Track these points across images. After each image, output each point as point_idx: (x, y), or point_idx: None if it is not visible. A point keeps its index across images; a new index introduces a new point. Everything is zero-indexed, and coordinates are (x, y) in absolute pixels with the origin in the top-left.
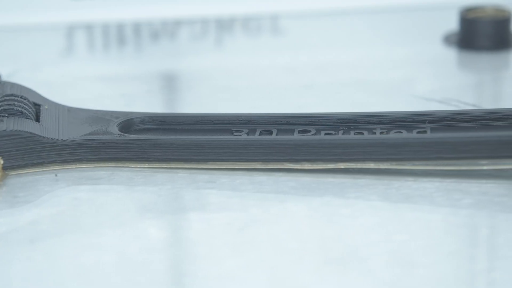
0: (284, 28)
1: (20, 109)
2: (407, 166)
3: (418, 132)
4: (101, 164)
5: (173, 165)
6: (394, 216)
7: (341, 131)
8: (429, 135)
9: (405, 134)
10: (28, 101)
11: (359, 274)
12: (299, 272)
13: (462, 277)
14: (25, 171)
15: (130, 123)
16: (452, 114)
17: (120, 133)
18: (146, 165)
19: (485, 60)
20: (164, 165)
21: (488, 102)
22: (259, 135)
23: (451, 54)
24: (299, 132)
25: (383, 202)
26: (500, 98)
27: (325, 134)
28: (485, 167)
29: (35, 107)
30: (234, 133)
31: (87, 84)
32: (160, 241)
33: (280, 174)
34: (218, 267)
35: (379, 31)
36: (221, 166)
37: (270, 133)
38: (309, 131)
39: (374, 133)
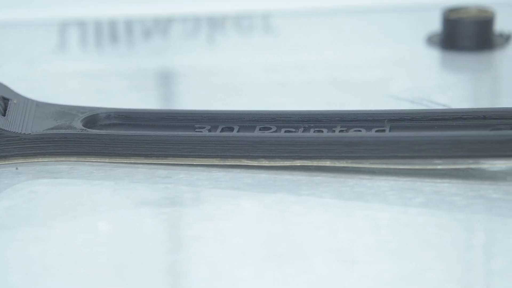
0: (270, 26)
1: None
2: (364, 165)
3: (377, 131)
4: (63, 158)
5: (133, 160)
6: (344, 213)
7: (301, 129)
8: (384, 134)
9: (360, 133)
10: None
11: (298, 270)
12: (238, 267)
13: (399, 276)
14: None
15: (95, 118)
16: (412, 114)
17: (83, 128)
18: (107, 160)
19: (466, 60)
20: (125, 160)
21: (464, 102)
22: (221, 131)
23: (432, 54)
24: (260, 129)
25: (335, 199)
26: (476, 98)
27: (286, 131)
28: (439, 167)
29: (3, 101)
30: (197, 130)
31: (71, 80)
32: (108, 234)
33: (238, 170)
34: (160, 261)
35: (365, 31)
36: (181, 162)
37: (232, 130)
38: (270, 129)
39: (334, 131)
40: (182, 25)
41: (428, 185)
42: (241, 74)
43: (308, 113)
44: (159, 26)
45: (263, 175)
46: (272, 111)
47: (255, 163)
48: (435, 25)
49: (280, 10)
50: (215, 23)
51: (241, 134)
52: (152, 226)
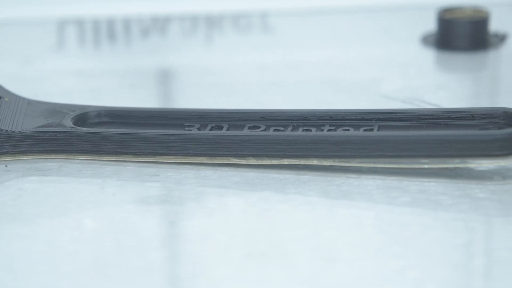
0: (266, 25)
1: None
2: (351, 164)
3: (365, 130)
4: (53, 156)
5: (122, 158)
6: (329, 212)
7: (290, 128)
8: (371, 133)
9: (348, 132)
10: None
11: (279, 267)
12: (219, 264)
13: (381, 274)
14: None
15: (86, 116)
16: (401, 113)
17: (73, 126)
18: (96, 158)
19: (460, 60)
20: (114, 158)
21: (456, 101)
22: (210, 130)
23: (427, 54)
24: (249, 128)
25: (321, 198)
26: (469, 98)
27: (274, 130)
28: (426, 166)
29: None
30: (186, 128)
31: (66, 78)
32: (93, 232)
33: (226, 169)
34: (143, 258)
35: (360, 31)
36: (169, 160)
37: (221, 128)
38: (259, 127)
39: (322, 130)
40: (180, 24)
41: (414, 184)
42: (236, 73)
43: (297, 112)
44: (157, 25)
45: (251, 174)
46: (261, 110)
47: (243, 161)
48: (431, 25)
49: (277, 9)
50: (213, 22)
51: (229, 132)
52: (136, 224)
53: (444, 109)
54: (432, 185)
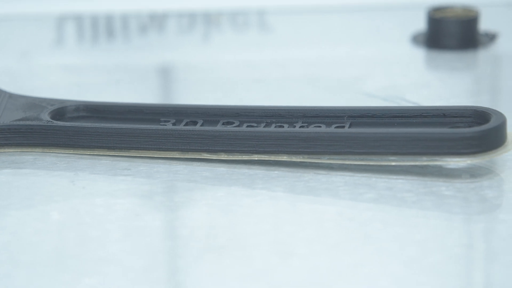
0: (260, 23)
1: None
2: (321, 160)
3: (336, 127)
4: (28, 149)
5: (96, 152)
6: (292, 207)
7: (263, 124)
8: (340, 130)
9: (316, 128)
10: None
11: (235, 261)
12: (177, 257)
13: (334, 269)
14: None
15: (64, 110)
16: (373, 111)
17: (49, 119)
18: (71, 151)
19: (448, 59)
20: (88, 152)
21: (440, 100)
22: (185, 125)
23: (416, 53)
24: (223, 124)
25: (286, 193)
26: (453, 97)
27: (247, 126)
28: (394, 163)
29: None
30: (161, 123)
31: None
32: (58, 224)
33: (198, 163)
34: (103, 250)
35: (351, 30)
36: (142, 155)
37: (196, 124)
38: (233, 123)
39: (295, 126)
40: (178, 21)
41: (382, 181)
42: (223, 70)
43: (271, 108)
44: (155, 22)
45: (222, 169)
46: (235, 106)
47: (214, 156)
48: (421, 24)
49: (270, 7)
50: (210, 19)
51: (201, 128)
52: (101, 216)
53: (416, 107)
54: (400, 182)
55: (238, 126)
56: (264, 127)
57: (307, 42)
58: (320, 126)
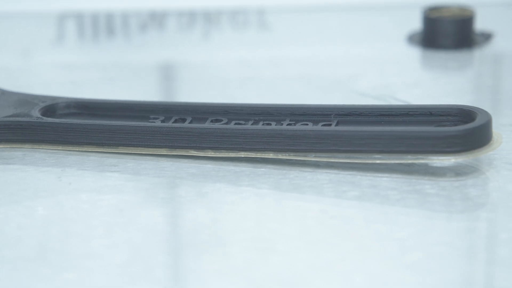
0: (259, 22)
1: None
2: (307, 158)
3: (323, 125)
4: (18, 145)
5: (85, 149)
6: (275, 204)
7: (251, 122)
8: (326, 128)
9: (303, 126)
10: None
11: (214, 257)
12: (157, 253)
13: (312, 266)
14: None
15: (55, 107)
16: (361, 109)
17: (39, 116)
18: (60, 148)
19: (443, 58)
20: (77, 148)
21: (429, 99)
22: (173, 123)
23: (411, 52)
24: (211, 121)
25: (271, 190)
26: (443, 96)
27: (235, 124)
28: (378, 161)
29: None
30: (150, 120)
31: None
32: (42, 219)
33: (185, 160)
34: (85, 245)
35: (349, 29)
36: (130, 151)
37: (184, 121)
38: (221, 121)
39: (282, 124)
40: (178, 19)
41: (367, 179)
42: (222, 69)
43: (259, 106)
44: (155, 20)
45: (209, 166)
46: (224, 104)
47: (201, 153)
48: (417, 23)
49: (269, 6)
50: (210, 18)
51: (189, 125)
52: (86, 212)
53: (403, 105)
54: (384, 180)
55: (227, 123)
56: (252, 124)
57: (304, 41)
58: (307, 124)
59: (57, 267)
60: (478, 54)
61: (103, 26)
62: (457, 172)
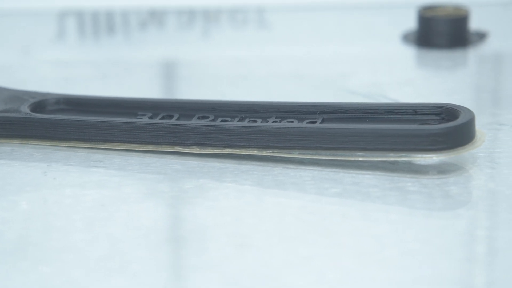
0: (258, 20)
1: None
2: (292, 155)
3: (308, 123)
4: (7, 140)
5: (72, 144)
6: (255, 200)
7: (237, 119)
8: (310, 125)
9: (287, 123)
10: None
11: (192, 252)
12: (135, 247)
13: (286, 261)
14: None
15: (44, 103)
16: (346, 107)
17: (28, 112)
18: (48, 143)
19: (437, 57)
20: (65, 144)
21: (418, 97)
22: (161, 119)
23: (406, 51)
24: (198, 118)
25: (253, 187)
26: (432, 94)
27: (222, 121)
28: (361, 158)
29: None
30: (138, 117)
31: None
32: (24, 213)
33: (171, 156)
34: (65, 239)
35: (344, 27)
36: (117, 147)
37: (171, 117)
38: (208, 117)
39: (268, 121)
40: (177, 17)
41: (349, 176)
42: (218, 66)
43: (246, 103)
44: (155, 18)
45: (193, 162)
46: (211, 101)
47: (187, 150)
48: (412, 22)
49: (268, 5)
50: (209, 17)
51: (174, 121)
52: (69, 206)
53: (387, 103)
54: (367, 178)
55: (213, 120)
56: (238, 121)
57: (299, 40)
58: (292, 122)
59: (34, 260)
60: (472, 54)
61: (103, 24)
62: (440, 170)
